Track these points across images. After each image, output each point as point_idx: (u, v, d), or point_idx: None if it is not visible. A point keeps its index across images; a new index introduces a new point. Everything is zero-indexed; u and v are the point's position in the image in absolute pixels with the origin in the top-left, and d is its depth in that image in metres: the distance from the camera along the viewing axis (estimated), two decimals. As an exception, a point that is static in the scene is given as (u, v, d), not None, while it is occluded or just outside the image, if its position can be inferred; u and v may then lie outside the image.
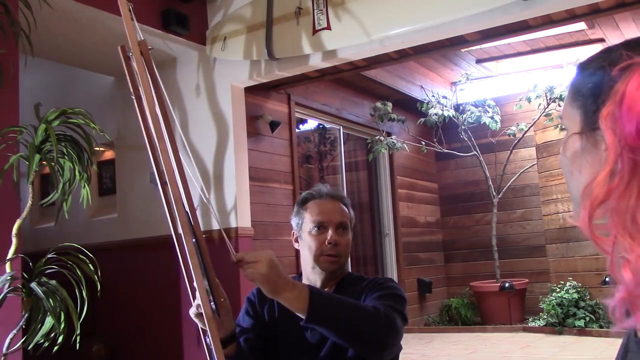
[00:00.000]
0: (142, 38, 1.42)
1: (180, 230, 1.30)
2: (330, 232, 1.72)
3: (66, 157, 2.56)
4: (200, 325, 1.48)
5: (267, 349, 1.69)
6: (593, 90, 0.67)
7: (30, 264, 2.48)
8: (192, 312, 1.47)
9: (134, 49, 1.37)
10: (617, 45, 0.68)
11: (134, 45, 1.38)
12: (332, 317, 1.39)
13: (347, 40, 3.86)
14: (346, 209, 1.78)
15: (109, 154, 5.09)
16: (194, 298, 1.41)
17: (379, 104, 6.39)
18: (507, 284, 6.51)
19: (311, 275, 1.75)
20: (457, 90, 7.36)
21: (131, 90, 1.50)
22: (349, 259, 7.10)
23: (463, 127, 6.73)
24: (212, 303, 1.41)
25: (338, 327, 1.41)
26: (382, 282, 1.69)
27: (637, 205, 0.58)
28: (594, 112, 0.65)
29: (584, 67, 0.71)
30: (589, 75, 0.69)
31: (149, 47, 1.41)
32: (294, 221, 1.80)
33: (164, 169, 1.31)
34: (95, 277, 2.51)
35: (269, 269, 1.33)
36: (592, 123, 0.66)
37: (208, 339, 1.53)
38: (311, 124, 6.82)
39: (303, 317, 1.37)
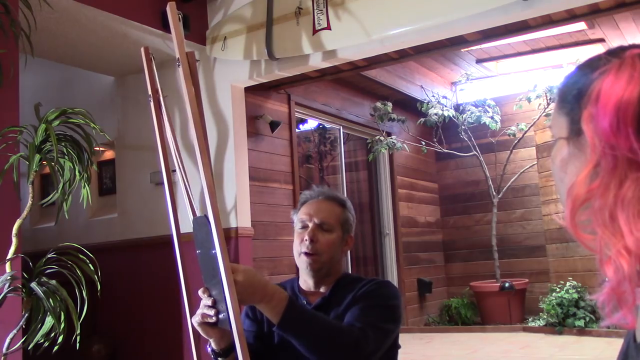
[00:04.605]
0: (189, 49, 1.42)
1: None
2: (309, 230, 1.70)
3: (66, 157, 2.56)
4: (202, 334, 1.48)
5: (266, 352, 1.68)
6: (577, 96, 0.68)
7: (30, 263, 2.48)
8: (195, 320, 1.47)
9: (182, 60, 1.36)
10: (601, 53, 0.70)
11: (182, 55, 1.36)
12: (301, 334, 1.46)
13: (347, 40, 3.86)
14: (339, 211, 1.74)
15: (109, 154, 5.09)
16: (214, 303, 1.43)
17: (379, 104, 6.39)
18: (507, 284, 6.51)
19: (303, 275, 1.73)
20: (457, 90, 7.35)
21: (149, 92, 1.50)
22: (349, 259, 7.00)
23: (463, 127, 6.73)
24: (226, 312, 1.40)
25: (305, 344, 1.46)
26: (375, 288, 1.64)
27: (615, 202, 0.59)
28: (579, 117, 0.66)
29: (569, 75, 0.73)
30: (574, 83, 0.70)
31: (197, 59, 1.43)
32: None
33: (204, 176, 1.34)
34: (95, 277, 2.51)
35: (243, 281, 1.39)
36: (577, 128, 0.67)
37: (209, 348, 1.53)
38: (311, 124, 6.82)
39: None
